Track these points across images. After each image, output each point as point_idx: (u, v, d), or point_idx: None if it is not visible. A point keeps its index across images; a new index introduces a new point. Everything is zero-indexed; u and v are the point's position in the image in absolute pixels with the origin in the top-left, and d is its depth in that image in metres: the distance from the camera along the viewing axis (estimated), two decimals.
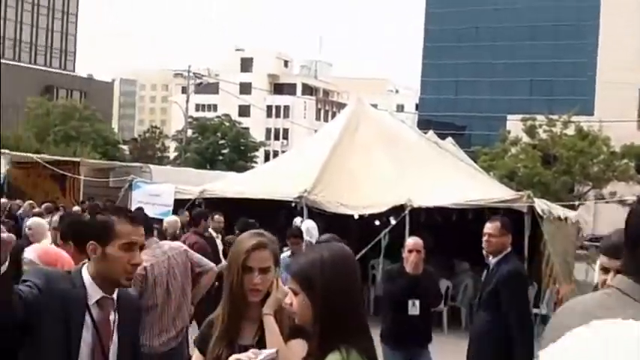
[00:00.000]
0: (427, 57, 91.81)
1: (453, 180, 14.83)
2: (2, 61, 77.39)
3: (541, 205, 13.57)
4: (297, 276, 2.61)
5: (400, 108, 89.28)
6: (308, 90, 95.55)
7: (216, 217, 11.71)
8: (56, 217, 12.17)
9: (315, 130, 36.02)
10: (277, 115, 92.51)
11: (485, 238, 6.39)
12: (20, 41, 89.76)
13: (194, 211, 12.41)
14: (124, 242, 3.05)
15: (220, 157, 59.44)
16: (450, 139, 19.93)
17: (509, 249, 6.40)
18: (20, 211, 14.84)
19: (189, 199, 15.70)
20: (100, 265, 3.05)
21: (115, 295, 3.12)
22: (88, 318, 3.01)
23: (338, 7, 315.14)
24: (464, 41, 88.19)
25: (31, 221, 8.40)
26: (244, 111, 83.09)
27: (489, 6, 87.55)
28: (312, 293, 2.54)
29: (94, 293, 3.04)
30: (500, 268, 6.29)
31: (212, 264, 6.65)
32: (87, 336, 3.00)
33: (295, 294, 2.59)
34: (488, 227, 6.37)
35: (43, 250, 4.45)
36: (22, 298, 2.78)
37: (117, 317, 3.12)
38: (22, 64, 79.64)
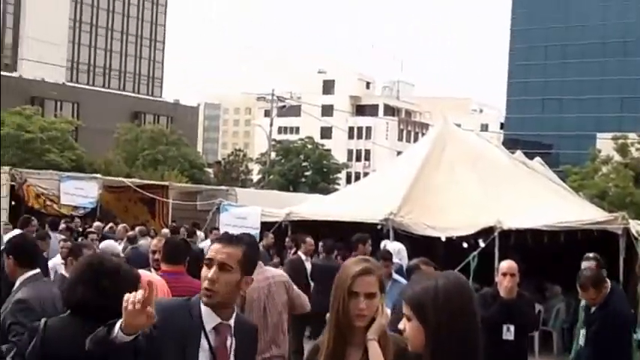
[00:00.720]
0: (513, 75, 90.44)
1: (543, 201, 14.46)
2: (94, 88, 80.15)
3: (636, 226, 13.07)
4: (411, 302, 2.60)
5: (484, 127, 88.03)
6: (390, 111, 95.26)
7: (308, 240, 11.77)
8: (155, 241, 12.43)
9: (398, 152, 35.89)
10: (359, 137, 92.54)
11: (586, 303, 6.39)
12: (110, 69, 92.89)
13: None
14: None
15: (303, 179, 59.77)
16: (538, 158, 19.41)
17: (608, 288, 6.30)
18: (114, 234, 15.18)
19: (275, 222, 15.78)
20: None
21: (232, 322, 3.13)
22: (205, 343, 3.03)
23: (419, 27, 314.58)
24: (550, 59, 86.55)
25: (103, 244, 8.62)
26: (326, 133, 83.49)
27: (576, 23, 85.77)
28: (424, 320, 2.54)
29: (211, 320, 3.05)
30: (604, 311, 6.24)
31: (308, 306, 6.64)
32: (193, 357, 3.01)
33: (408, 320, 2.59)
34: (591, 293, 6.34)
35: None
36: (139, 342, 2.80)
37: (234, 342, 3.13)
38: (111, 91, 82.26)
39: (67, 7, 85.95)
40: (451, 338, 2.50)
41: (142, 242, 12.28)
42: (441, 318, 2.51)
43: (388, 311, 3.08)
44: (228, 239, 3.17)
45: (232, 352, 3.11)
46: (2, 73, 71.67)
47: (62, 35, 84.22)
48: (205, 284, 3.05)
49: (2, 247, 6.37)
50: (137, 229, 14.40)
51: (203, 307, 3.06)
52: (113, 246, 8.57)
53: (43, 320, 3.13)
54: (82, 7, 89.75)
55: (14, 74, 71.15)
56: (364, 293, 2.97)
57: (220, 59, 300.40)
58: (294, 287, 6.46)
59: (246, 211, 16.85)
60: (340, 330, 2.99)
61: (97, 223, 15.42)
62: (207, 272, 3.06)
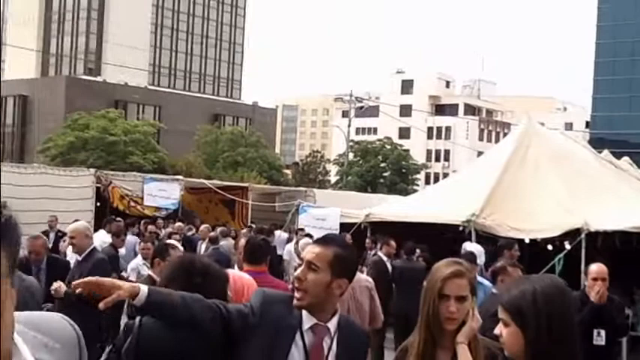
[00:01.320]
0: (599, 72, 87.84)
1: (631, 201, 13.91)
2: (175, 91, 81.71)
3: None
4: (509, 307, 2.55)
5: (569, 126, 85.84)
6: (470, 110, 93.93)
7: (392, 242, 11.68)
8: (242, 242, 12.50)
9: (479, 152, 35.29)
10: (438, 137, 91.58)
11: None
12: (190, 72, 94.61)
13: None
14: None
15: (381, 180, 59.48)
16: (626, 158, 18.71)
17: None
18: (197, 235, 15.35)
19: (354, 223, 15.68)
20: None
21: (332, 324, 3.06)
22: (299, 341, 3.00)
23: (500, 25, 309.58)
24: (638, 54, 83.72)
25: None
26: (405, 133, 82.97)
27: None
28: (523, 325, 2.49)
29: (308, 319, 3.03)
30: None
31: (381, 321, 6.57)
32: (281, 353, 3.00)
33: (505, 325, 2.54)
34: None
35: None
36: (223, 316, 2.87)
37: (335, 345, 3.05)
38: (192, 94, 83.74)
39: (148, 12, 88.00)
40: (551, 343, 2.46)
41: (223, 243, 12.37)
42: (541, 323, 2.47)
43: (479, 317, 3.02)
44: (322, 240, 3.16)
45: (332, 356, 3.05)
46: (87, 77, 73.98)
47: (144, 40, 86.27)
48: (294, 283, 3.05)
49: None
50: (218, 229, 14.52)
51: None
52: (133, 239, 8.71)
53: (138, 318, 3.16)
54: (163, 12, 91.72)
55: (98, 78, 73.31)
56: (455, 296, 2.96)
57: (298, 61, 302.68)
58: (376, 297, 6.46)
59: (326, 213, 16.82)
60: (430, 332, 2.99)
61: (178, 224, 15.62)
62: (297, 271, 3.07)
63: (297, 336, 3.00)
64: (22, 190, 15.42)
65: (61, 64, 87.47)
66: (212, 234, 13.58)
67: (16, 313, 1.40)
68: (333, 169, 68.76)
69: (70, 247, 7.85)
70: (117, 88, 69.26)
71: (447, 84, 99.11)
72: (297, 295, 3.02)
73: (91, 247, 7.12)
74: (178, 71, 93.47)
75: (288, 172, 64.04)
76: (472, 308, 3.00)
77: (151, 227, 15.45)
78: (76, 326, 1.60)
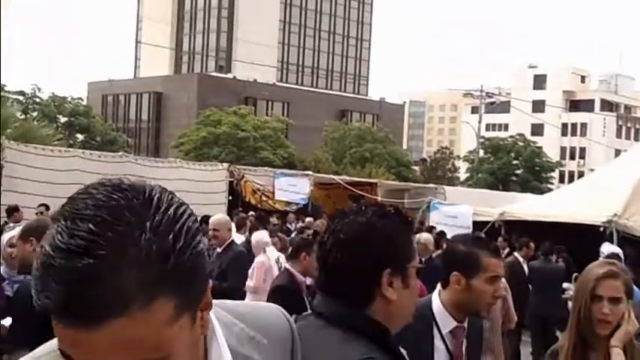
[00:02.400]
0: None
1: None
2: (303, 87, 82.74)
3: None
4: None
5: None
6: (607, 106, 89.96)
7: (531, 244, 11.32)
8: None
9: (616, 149, 33.68)
10: (573, 134, 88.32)
11: None
12: (318, 68, 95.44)
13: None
14: (491, 276, 2.95)
15: (513, 178, 57.91)
16: None
17: None
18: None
19: (487, 222, 15.25)
20: (463, 296, 2.94)
21: (466, 323, 3.03)
22: (441, 345, 2.93)
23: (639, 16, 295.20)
24: None
25: (255, 234, 8.63)
26: (537, 130, 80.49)
27: None
28: None
29: (447, 322, 2.95)
30: None
31: (514, 321, 6.32)
32: None
33: None
34: None
35: None
36: None
37: (466, 344, 3.04)
38: (319, 90, 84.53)
39: (277, 9, 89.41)
40: None
41: None
42: None
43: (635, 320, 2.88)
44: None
45: (465, 354, 3.02)
46: (218, 74, 76.03)
47: (273, 37, 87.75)
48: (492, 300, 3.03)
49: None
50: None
51: (436, 309, 2.97)
52: (262, 235, 8.62)
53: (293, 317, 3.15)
54: (291, 9, 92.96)
55: (229, 75, 75.17)
56: (608, 297, 2.82)
57: (425, 56, 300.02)
58: (509, 298, 6.20)
59: (457, 210, 16.46)
60: (581, 335, 2.88)
61: (309, 219, 15.67)
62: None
63: (437, 340, 2.93)
64: (157, 183, 15.87)
65: (193, 62, 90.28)
66: None
67: (225, 302, 1.32)
68: (462, 166, 67.60)
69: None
70: (247, 84, 70.78)
71: (582, 79, 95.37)
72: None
73: (230, 239, 7.21)
74: (306, 68, 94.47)
75: (416, 168, 63.45)
76: (628, 311, 2.84)
77: (273, 220, 15.57)
78: (291, 320, 1.48)
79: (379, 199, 21.15)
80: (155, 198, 1.06)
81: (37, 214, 10.65)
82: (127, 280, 0.98)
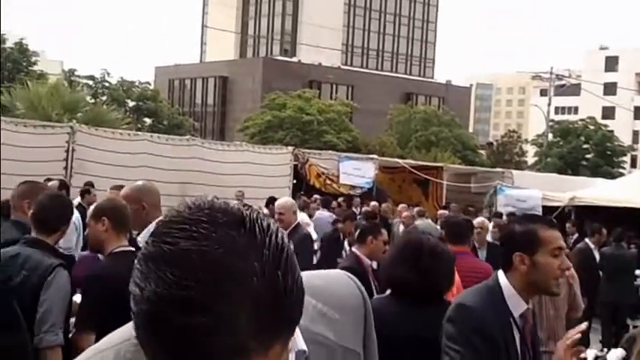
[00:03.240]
0: None
1: None
2: (367, 70, 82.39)
3: None
4: None
5: None
6: None
7: (604, 231, 11.03)
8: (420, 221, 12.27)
9: None
10: None
11: None
12: (383, 51, 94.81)
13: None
14: (552, 248, 2.88)
15: (584, 162, 56.54)
16: None
17: None
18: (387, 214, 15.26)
19: (557, 207, 14.92)
20: (531, 274, 2.89)
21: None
22: (516, 332, 2.87)
23: None
24: None
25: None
26: (609, 113, 78.41)
27: None
28: None
29: (518, 306, 2.90)
30: None
31: (581, 310, 6.16)
32: (514, 351, 2.88)
33: None
34: None
35: None
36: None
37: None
38: (384, 73, 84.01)
39: None
40: None
41: (419, 222, 12.12)
42: None
43: None
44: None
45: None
46: (283, 58, 76.28)
47: (337, 20, 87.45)
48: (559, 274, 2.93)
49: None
50: (415, 209, 14.34)
51: (507, 293, 2.89)
52: (302, 215, 8.60)
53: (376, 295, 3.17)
54: None
55: (294, 59, 75.31)
56: None
57: (492, 38, 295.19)
58: (576, 285, 6.01)
59: (526, 194, 16.14)
60: None
61: (374, 203, 15.57)
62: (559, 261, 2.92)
63: (514, 327, 2.87)
64: (223, 167, 16.02)
65: (259, 46, 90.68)
66: (406, 214, 13.40)
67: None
68: (530, 149, 66.36)
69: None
70: (311, 68, 70.82)
71: None
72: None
73: (296, 222, 7.24)
74: (371, 50, 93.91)
75: (482, 152, 62.57)
76: None
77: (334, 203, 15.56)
78: (362, 289, 1.43)
79: (444, 183, 20.92)
80: (256, 228, 0.98)
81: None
82: (244, 334, 0.93)
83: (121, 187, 8.60)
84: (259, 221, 0.99)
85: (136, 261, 0.98)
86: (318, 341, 1.22)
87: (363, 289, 1.45)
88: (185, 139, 17.55)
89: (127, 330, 1.16)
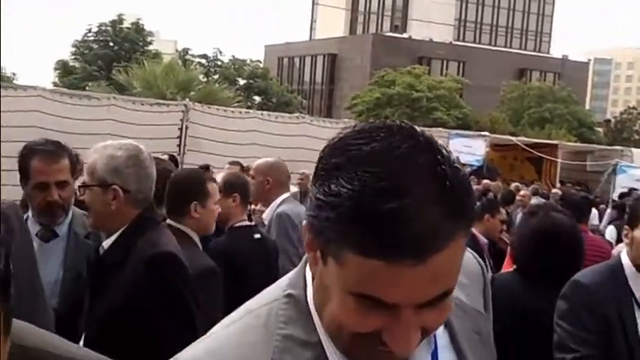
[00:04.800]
0: None
1: None
2: (480, 46, 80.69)
3: None
4: None
5: None
6: None
7: None
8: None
9: None
10: None
11: None
12: (497, 26, 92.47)
13: None
14: None
15: None
16: None
17: None
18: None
19: None
20: (634, 250, 2.74)
21: None
22: (638, 313, 2.72)
23: None
24: None
25: None
26: None
27: None
28: None
29: (638, 285, 2.76)
30: None
31: None
32: (633, 332, 2.74)
33: None
34: None
35: None
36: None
37: None
38: (497, 49, 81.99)
39: None
40: None
41: (534, 202, 11.76)
42: None
43: None
44: None
45: None
46: (393, 34, 75.63)
47: None
48: None
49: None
50: (530, 188, 13.98)
51: (628, 272, 2.75)
52: None
53: (490, 274, 3.11)
54: None
55: (404, 35, 74.55)
56: None
57: (613, 10, 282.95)
58: None
59: None
60: None
61: (485, 181, 15.24)
62: None
63: (635, 308, 2.72)
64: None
65: (369, 22, 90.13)
66: (524, 192, 13.05)
67: None
68: None
69: None
70: (422, 44, 69.92)
71: None
72: None
73: None
74: (484, 25, 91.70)
75: (599, 130, 60.30)
76: None
77: None
78: (481, 261, 1.51)
79: (559, 161, 20.30)
80: (427, 136, 1.11)
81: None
82: (443, 216, 1.02)
83: (238, 163, 8.76)
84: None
85: (322, 172, 1.10)
86: (454, 302, 1.23)
87: (481, 261, 1.51)
88: (294, 116, 17.66)
89: (278, 289, 1.26)
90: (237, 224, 4.43)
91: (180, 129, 14.30)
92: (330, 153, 1.11)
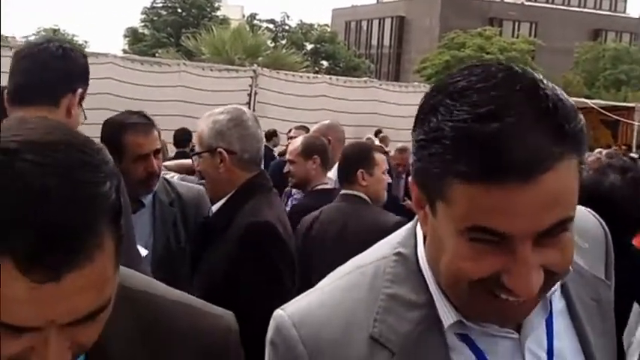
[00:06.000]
0: None
1: None
2: (553, 6, 78.50)
3: None
4: None
5: None
6: None
7: None
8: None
9: None
10: None
11: None
12: None
13: None
14: None
15: None
16: None
17: None
18: None
19: None
20: None
21: None
22: None
23: None
24: None
25: None
26: None
27: None
28: None
29: None
30: None
31: None
32: None
33: None
34: None
35: None
36: None
37: None
38: (571, 9, 79.61)
39: None
40: None
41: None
42: None
43: None
44: None
45: None
46: None
47: None
48: None
49: None
50: (604, 152, 13.54)
51: None
52: None
53: None
54: None
55: None
56: None
57: None
58: None
59: None
60: None
61: None
62: None
63: None
64: (399, 109, 15.78)
65: None
66: (592, 158, 12.66)
67: None
68: None
69: None
70: (492, 5, 68.36)
71: None
72: None
73: None
74: None
75: None
76: None
77: None
78: (604, 223, 1.43)
79: (636, 124, 19.70)
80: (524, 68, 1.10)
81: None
82: (547, 135, 1.01)
83: (305, 127, 8.73)
84: None
85: (422, 115, 1.09)
86: (572, 267, 1.18)
87: (604, 223, 1.42)
88: (363, 80, 17.51)
89: (388, 246, 1.25)
90: (318, 187, 4.44)
91: (250, 94, 14.33)
92: (428, 96, 1.11)
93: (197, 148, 3.06)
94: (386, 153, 6.29)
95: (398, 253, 1.22)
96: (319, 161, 4.46)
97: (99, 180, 0.94)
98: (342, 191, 3.93)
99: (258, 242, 2.76)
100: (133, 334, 1.15)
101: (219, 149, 2.94)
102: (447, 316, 1.16)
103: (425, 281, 1.18)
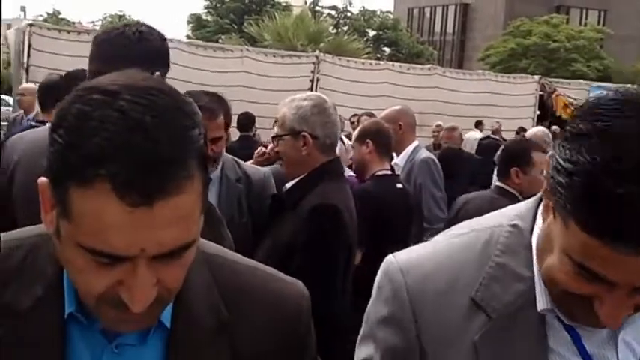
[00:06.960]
0: None
1: None
2: None
3: None
4: None
5: None
6: None
7: None
8: None
9: None
10: None
11: None
12: None
13: None
14: None
15: None
16: None
17: None
18: None
19: None
20: None
21: None
22: None
23: None
24: None
25: None
26: None
27: None
28: None
29: None
30: None
31: None
32: None
33: None
34: None
35: None
36: None
37: None
38: None
39: None
40: None
41: None
42: None
43: None
44: None
45: None
46: None
47: None
48: None
49: None
50: None
51: None
52: None
53: None
54: None
55: None
56: None
57: None
58: None
59: None
60: None
61: None
62: None
63: None
64: (463, 96, 15.56)
65: None
66: None
67: None
68: None
69: None
70: None
71: None
72: None
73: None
74: None
75: None
76: None
77: None
78: None
79: None
80: None
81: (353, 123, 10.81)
82: None
83: (372, 114, 8.70)
84: None
85: (569, 135, 1.08)
86: None
87: None
88: (427, 67, 17.28)
89: (504, 216, 1.28)
90: (380, 172, 4.39)
91: (312, 80, 14.29)
92: (582, 116, 1.08)
93: (278, 131, 3.17)
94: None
95: (514, 225, 1.26)
96: (372, 146, 4.41)
97: (189, 124, 1.02)
98: (497, 183, 4.15)
99: (321, 223, 2.86)
100: (211, 291, 1.21)
101: (303, 133, 3.09)
102: (542, 300, 1.19)
103: (532, 258, 1.21)
